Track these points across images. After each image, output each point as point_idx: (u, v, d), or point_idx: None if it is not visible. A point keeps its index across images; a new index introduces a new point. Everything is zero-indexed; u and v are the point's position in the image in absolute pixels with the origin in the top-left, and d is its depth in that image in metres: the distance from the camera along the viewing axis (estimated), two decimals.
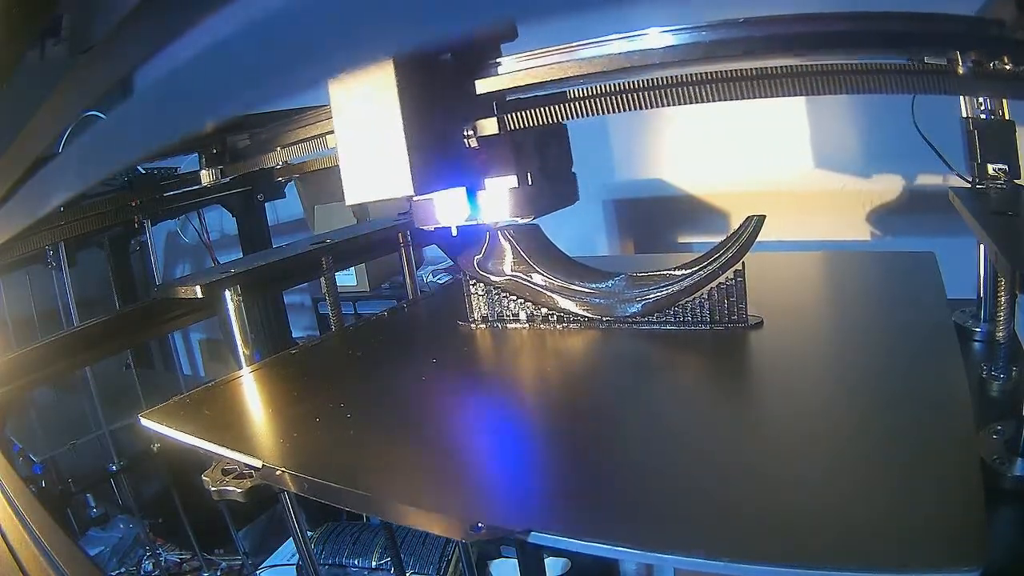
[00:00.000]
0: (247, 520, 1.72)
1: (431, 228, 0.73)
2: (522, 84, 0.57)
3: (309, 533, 1.16)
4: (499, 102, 0.62)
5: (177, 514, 1.69)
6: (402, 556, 1.10)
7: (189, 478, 1.52)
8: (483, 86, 0.58)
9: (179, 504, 1.69)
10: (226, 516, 1.58)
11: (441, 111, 0.58)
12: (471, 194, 0.68)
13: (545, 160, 0.70)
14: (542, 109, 0.61)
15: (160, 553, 1.87)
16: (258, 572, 1.53)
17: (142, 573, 1.84)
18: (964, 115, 0.80)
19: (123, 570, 1.84)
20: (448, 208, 0.70)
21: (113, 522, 1.93)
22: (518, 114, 0.62)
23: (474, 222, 0.71)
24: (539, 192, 0.69)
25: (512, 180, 0.67)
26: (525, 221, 0.70)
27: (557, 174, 0.73)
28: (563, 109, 0.60)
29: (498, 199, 0.68)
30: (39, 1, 0.54)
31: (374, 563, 1.18)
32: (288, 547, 1.52)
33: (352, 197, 0.59)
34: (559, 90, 0.61)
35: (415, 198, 0.70)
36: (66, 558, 0.62)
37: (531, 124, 0.62)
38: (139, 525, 1.83)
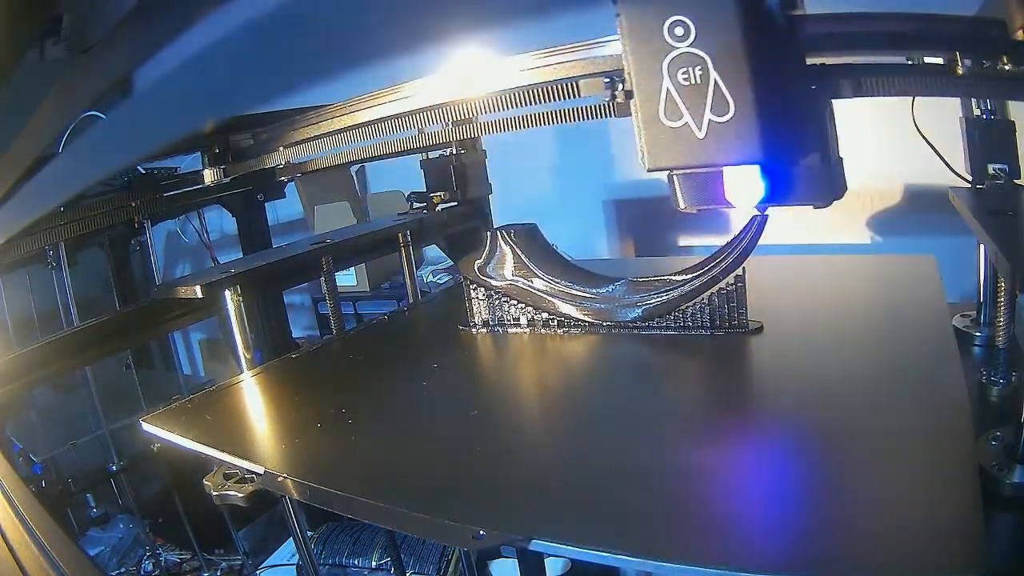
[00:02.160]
0: (247, 520, 1.72)
1: (694, 211, 0.59)
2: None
3: (309, 533, 1.16)
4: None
5: (177, 514, 1.69)
6: (402, 556, 1.10)
7: (189, 478, 1.52)
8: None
9: (179, 504, 1.69)
10: (226, 516, 1.58)
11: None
12: (768, 172, 0.53)
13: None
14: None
15: (160, 553, 1.87)
16: (258, 572, 1.53)
17: (142, 573, 1.84)
18: (964, 115, 0.80)
19: (123, 570, 1.84)
20: (738, 187, 0.55)
21: (113, 522, 1.93)
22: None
23: (760, 209, 0.60)
24: (839, 173, 0.54)
25: (814, 158, 0.52)
26: (820, 207, 0.55)
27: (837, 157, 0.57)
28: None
29: (797, 179, 0.53)
30: (39, 1, 0.54)
31: (374, 563, 1.18)
32: (288, 547, 1.52)
33: (654, 163, 0.52)
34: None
35: (703, 170, 0.55)
36: (66, 558, 0.62)
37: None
38: (139, 525, 1.83)
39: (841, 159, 0.52)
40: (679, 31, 0.46)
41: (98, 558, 1.78)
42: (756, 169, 0.52)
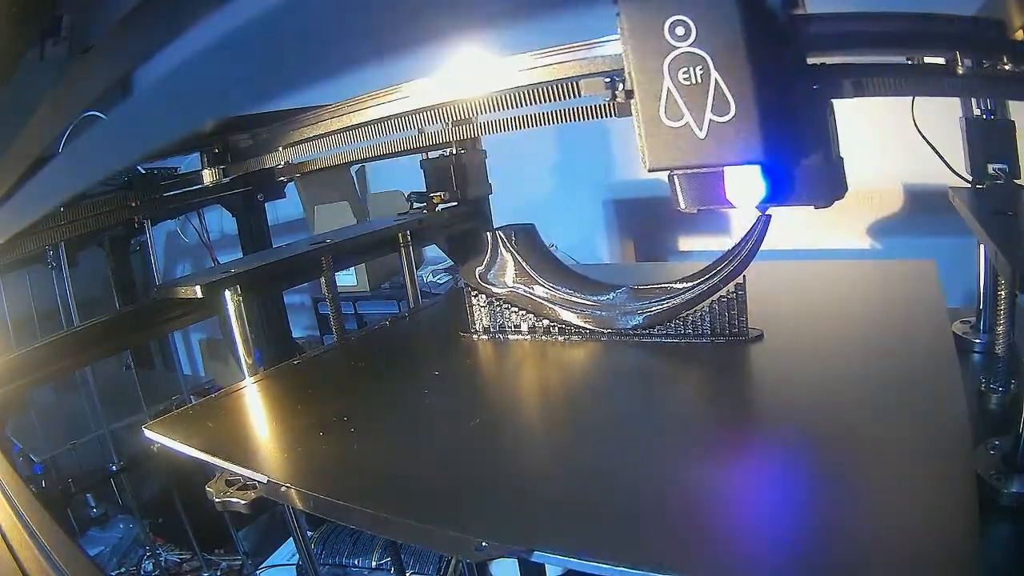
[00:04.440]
0: (247, 520, 1.72)
1: (694, 211, 0.59)
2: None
3: (309, 533, 1.16)
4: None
5: (177, 514, 1.70)
6: (402, 556, 1.10)
7: (189, 478, 1.52)
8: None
9: (179, 504, 1.69)
10: (226, 517, 1.58)
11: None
12: (768, 172, 0.53)
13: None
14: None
15: (160, 553, 1.87)
16: (258, 572, 1.53)
17: (142, 573, 1.84)
18: (964, 115, 0.80)
19: (123, 570, 1.84)
20: (739, 187, 0.55)
21: (113, 522, 1.93)
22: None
23: (762, 208, 0.59)
24: (840, 173, 0.53)
25: (817, 158, 0.52)
26: (821, 207, 0.55)
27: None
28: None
29: (798, 179, 0.53)
30: (39, 1, 0.54)
31: (374, 563, 1.18)
32: (288, 547, 1.52)
33: (655, 163, 0.52)
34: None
35: (703, 170, 0.54)
36: (66, 558, 0.62)
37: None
38: (139, 525, 1.84)
39: (842, 159, 0.52)
40: (680, 31, 0.46)
41: (98, 558, 1.78)
42: (757, 169, 0.52)
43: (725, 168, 0.53)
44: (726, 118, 0.48)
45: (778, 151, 0.49)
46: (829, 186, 0.52)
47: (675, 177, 0.55)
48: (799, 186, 0.52)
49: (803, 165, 0.52)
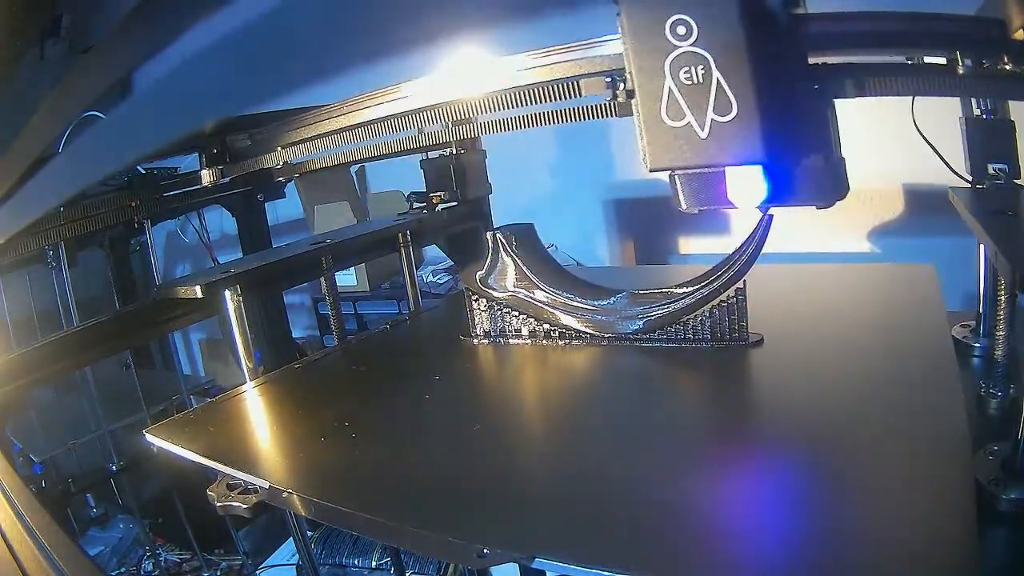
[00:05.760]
0: (247, 520, 1.72)
1: (695, 211, 0.58)
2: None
3: (309, 533, 1.16)
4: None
5: (177, 514, 1.70)
6: (402, 556, 1.10)
7: (189, 478, 1.52)
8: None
9: (179, 504, 1.69)
10: (226, 517, 1.58)
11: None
12: (770, 172, 0.52)
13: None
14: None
15: (160, 553, 1.87)
16: (258, 572, 1.53)
17: (142, 573, 1.84)
18: (964, 115, 0.80)
19: (123, 570, 1.84)
20: (740, 187, 0.54)
21: (113, 522, 1.93)
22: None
23: (764, 209, 0.60)
24: (842, 173, 0.53)
25: (818, 158, 0.51)
26: (823, 207, 0.54)
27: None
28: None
29: (799, 179, 0.52)
30: (39, 1, 0.54)
31: (374, 563, 1.18)
32: (288, 547, 1.52)
33: (656, 163, 0.52)
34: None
35: (705, 170, 0.54)
36: (66, 558, 0.62)
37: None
38: (139, 525, 1.84)
39: (843, 159, 0.52)
40: (681, 30, 0.46)
41: (98, 558, 1.78)
42: (759, 169, 0.52)
43: (726, 168, 0.53)
44: (728, 118, 0.48)
45: (780, 151, 0.49)
46: (830, 187, 0.52)
47: (676, 177, 0.55)
48: (800, 186, 0.52)
49: (804, 165, 0.51)
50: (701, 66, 0.47)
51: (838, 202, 0.52)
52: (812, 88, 0.49)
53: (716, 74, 0.47)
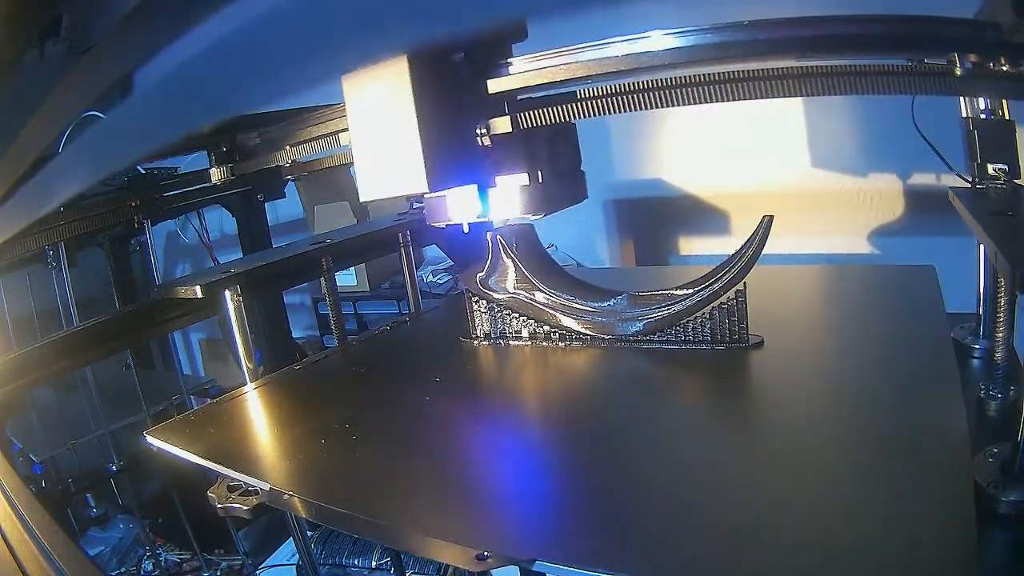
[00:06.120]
0: (247, 521, 1.72)
1: (442, 225, 0.74)
2: (532, 84, 0.58)
3: (309, 533, 1.16)
4: (510, 101, 0.63)
5: (177, 514, 1.70)
6: (402, 556, 1.10)
7: (189, 478, 1.52)
8: (495, 86, 0.59)
9: (179, 504, 1.69)
10: (226, 518, 1.58)
11: (455, 109, 0.59)
12: (483, 191, 0.68)
13: (556, 158, 0.71)
14: (553, 108, 0.62)
15: (160, 553, 1.87)
16: (258, 572, 1.53)
17: (142, 573, 1.84)
18: (964, 115, 0.80)
19: (123, 570, 1.84)
20: (460, 205, 0.71)
21: (113, 522, 1.93)
22: (529, 113, 0.62)
23: (484, 219, 0.72)
24: (550, 190, 0.70)
25: (523, 178, 0.68)
26: (535, 218, 0.71)
27: (567, 172, 0.75)
28: (573, 108, 0.61)
29: (509, 196, 0.69)
30: (39, 1, 0.54)
31: (374, 563, 1.18)
32: (288, 547, 1.52)
33: (367, 193, 0.59)
34: (569, 90, 0.61)
35: (427, 195, 0.71)
36: (66, 558, 0.62)
37: (542, 123, 0.63)
38: (139, 525, 1.83)
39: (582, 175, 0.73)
40: None
41: (98, 558, 1.78)
42: (475, 189, 0.67)
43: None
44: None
45: (449, 182, 0.61)
46: (539, 201, 0.69)
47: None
48: (512, 201, 0.68)
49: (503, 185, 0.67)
50: None
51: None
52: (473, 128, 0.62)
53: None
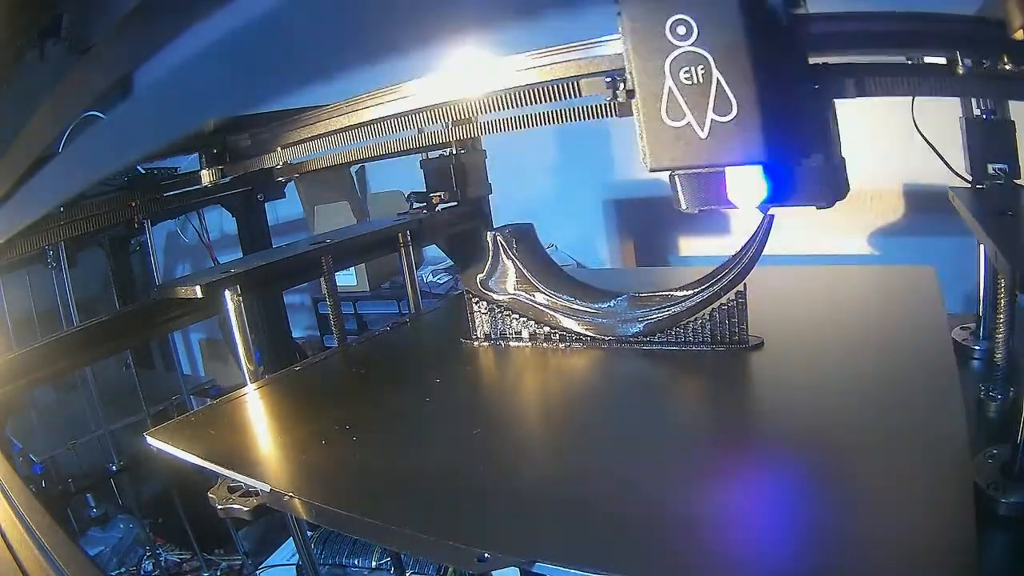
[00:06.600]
0: (247, 521, 1.72)
1: (695, 211, 0.59)
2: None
3: (309, 533, 1.16)
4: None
5: (177, 514, 1.69)
6: (402, 556, 1.10)
7: (189, 478, 1.52)
8: None
9: (179, 504, 1.69)
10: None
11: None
12: (770, 172, 0.52)
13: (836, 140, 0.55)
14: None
15: (160, 553, 1.87)
16: (258, 572, 1.53)
17: (142, 573, 1.84)
18: (964, 115, 0.80)
19: (123, 570, 1.83)
20: (740, 187, 0.54)
21: (113, 522, 1.93)
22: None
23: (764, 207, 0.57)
24: (842, 173, 0.53)
25: (818, 158, 0.51)
26: (823, 207, 0.54)
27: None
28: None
29: (800, 179, 0.52)
30: (39, 1, 0.54)
31: (374, 563, 1.18)
32: (288, 547, 1.52)
33: (656, 163, 0.52)
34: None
35: (705, 170, 0.54)
36: (66, 558, 0.62)
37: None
38: (139, 525, 1.83)
39: (843, 159, 0.52)
40: (681, 30, 0.46)
41: (98, 558, 1.78)
42: (759, 169, 0.52)
43: (726, 168, 0.53)
44: (728, 118, 0.48)
45: (780, 151, 0.49)
46: (831, 187, 0.52)
47: (676, 177, 0.55)
48: (800, 186, 0.52)
49: (805, 165, 0.51)
50: (701, 66, 0.47)
51: (838, 202, 0.52)
52: (812, 88, 0.49)
53: (716, 74, 0.47)
